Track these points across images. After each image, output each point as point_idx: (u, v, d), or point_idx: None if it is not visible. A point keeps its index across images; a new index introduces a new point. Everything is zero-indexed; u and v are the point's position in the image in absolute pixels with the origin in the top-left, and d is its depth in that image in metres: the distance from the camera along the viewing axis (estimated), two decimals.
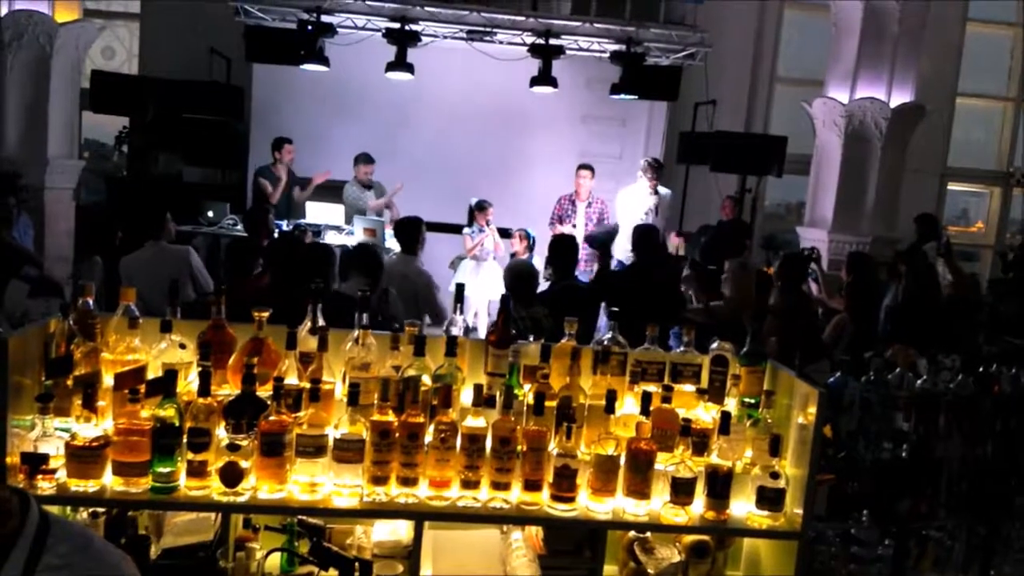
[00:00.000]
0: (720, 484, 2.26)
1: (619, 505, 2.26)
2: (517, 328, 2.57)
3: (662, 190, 7.47)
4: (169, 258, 4.99)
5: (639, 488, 2.24)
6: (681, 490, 2.25)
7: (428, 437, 2.21)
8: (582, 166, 7.51)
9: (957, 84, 9.74)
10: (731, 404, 2.48)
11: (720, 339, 2.54)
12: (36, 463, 2.06)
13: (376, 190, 7.55)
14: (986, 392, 2.77)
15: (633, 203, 7.40)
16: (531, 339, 2.55)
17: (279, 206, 7.25)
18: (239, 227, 7.10)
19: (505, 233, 7.31)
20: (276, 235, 5.78)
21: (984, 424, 2.76)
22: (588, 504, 2.25)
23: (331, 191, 7.55)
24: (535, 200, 7.77)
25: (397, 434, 2.17)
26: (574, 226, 7.28)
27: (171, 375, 2.13)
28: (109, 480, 2.10)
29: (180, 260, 5.01)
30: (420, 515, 2.20)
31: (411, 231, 5.15)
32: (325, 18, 7.38)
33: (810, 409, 2.26)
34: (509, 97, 8.07)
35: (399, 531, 2.38)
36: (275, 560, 2.32)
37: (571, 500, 2.22)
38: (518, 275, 4.25)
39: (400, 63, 7.47)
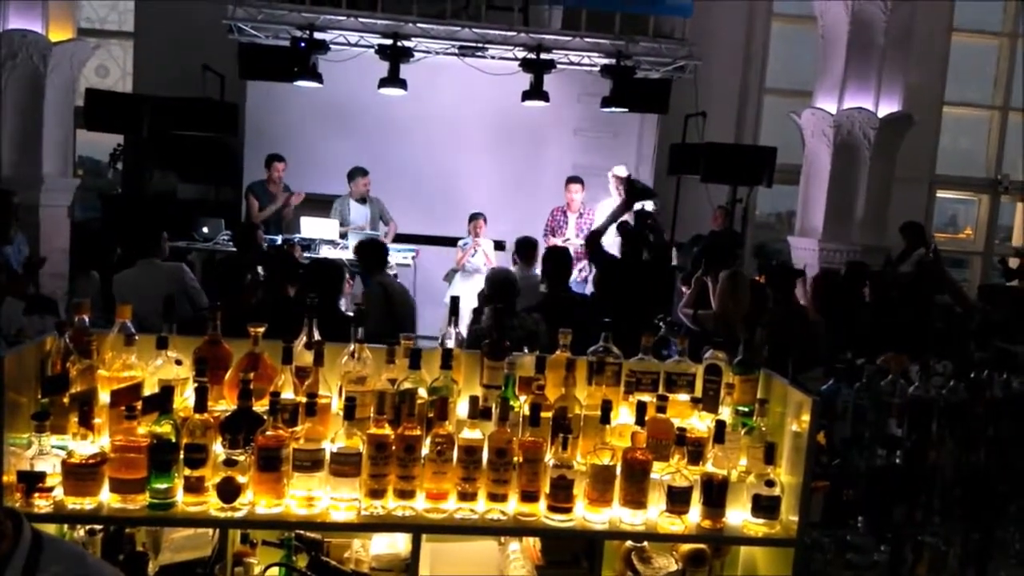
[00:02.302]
0: (716, 493, 2.28)
1: (616, 515, 2.27)
2: (512, 336, 2.60)
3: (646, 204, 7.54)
4: (161, 275, 4.99)
5: (635, 498, 2.25)
6: (677, 499, 2.26)
7: (425, 450, 2.22)
8: (571, 179, 7.58)
9: (944, 93, 9.84)
10: (725, 413, 2.50)
11: (716, 348, 2.56)
12: (33, 481, 2.06)
13: (372, 205, 7.56)
14: (978, 398, 2.80)
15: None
16: (525, 350, 2.57)
17: (269, 223, 7.28)
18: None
19: (500, 246, 7.34)
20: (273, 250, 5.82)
21: (977, 430, 2.78)
22: (585, 514, 2.26)
23: (325, 206, 7.57)
24: (528, 213, 7.81)
25: (394, 447, 2.18)
26: (567, 239, 7.33)
27: (167, 391, 2.14)
28: (106, 497, 2.10)
29: (173, 277, 5.01)
30: (418, 528, 2.20)
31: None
32: (318, 35, 7.43)
33: (804, 417, 2.28)
34: (501, 111, 8.12)
35: (397, 544, 2.38)
36: (273, 575, 2.32)
37: (568, 510, 2.23)
38: (497, 284, 4.30)
39: (393, 79, 7.51)
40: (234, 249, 6.81)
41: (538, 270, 6.33)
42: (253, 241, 5.58)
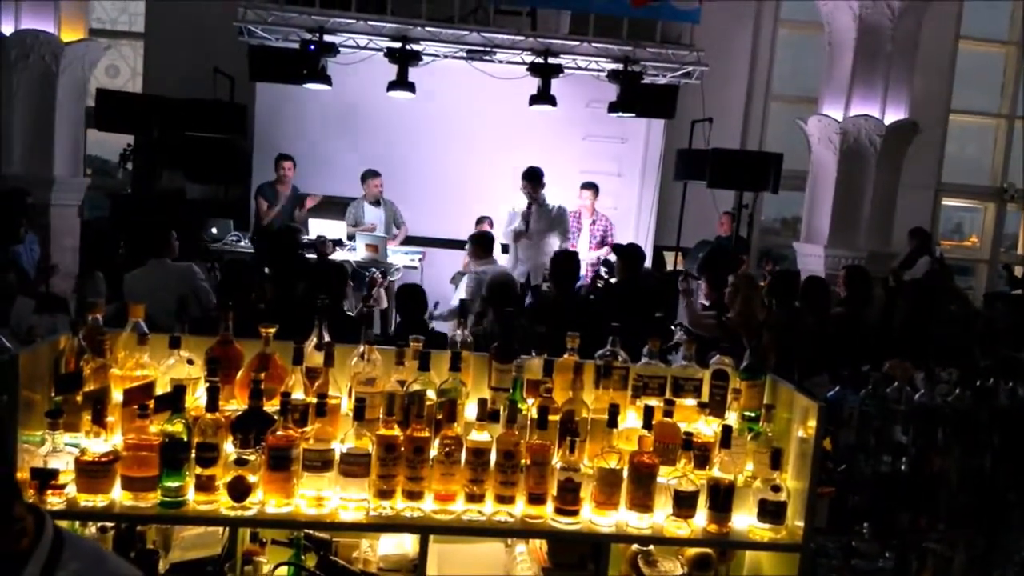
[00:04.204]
0: (722, 497, 2.29)
1: (622, 518, 2.29)
2: (523, 336, 2.63)
3: (551, 203, 7.04)
4: (172, 275, 5.02)
5: (642, 501, 2.27)
6: (683, 503, 2.28)
7: (433, 451, 2.23)
8: (584, 185, 7.57)
9: (950, 101, 9.85)
10: (732, 418, 2.51)
11: (723, 354, 2.57)
12: (46, 478, 2.08)
13: (387, 207, 7.59)
14: (983, 405, 2.81)
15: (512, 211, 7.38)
16: (533, 353, 2.58)
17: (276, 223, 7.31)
18: (243, 243, 7.15)
19: (505, 249, 7.37)
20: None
21: (982, 437, 2.79)
22: (591, 517, 2.27)
23: (333, 208, 7.61)
24: None
25: (402, 448, 2.19)
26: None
27: (179, 391, 2.16)
28: (118, 495, 2.13)
29: (183, 277, 5.03)
30: (426, 529, 2.22)
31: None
32: (327, 38, 7.46)
33: (810, 423, 2.30)
34: (509, 115, 8.14)
35: (405, 545, 2.40)
36: (282, 574, 2.34)
37: (575, 513, 2.25)
38: (497, 287, 4.34)
39: (401, 82, 7.54)
40: (245, 249, 6.89)
41: (499, 263, 6.38)
42: (295, 248, 5.62)
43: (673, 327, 5.00)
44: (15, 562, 1.39)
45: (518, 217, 6.97)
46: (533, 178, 6.90)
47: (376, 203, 7.55)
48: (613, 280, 6.36)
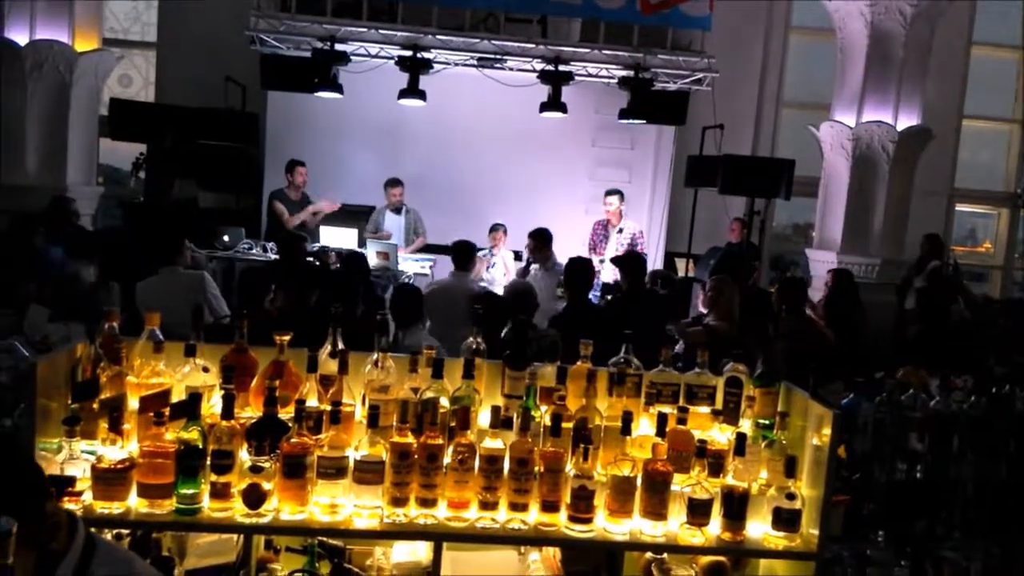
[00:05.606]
0: (736, 505, 2.28)
1: (636, 526, 2.28)
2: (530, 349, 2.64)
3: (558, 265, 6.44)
4: (184, 283, 5.06)
5: (656, 509, 2.26)
6: (697, 511, 2.27)
7: (447, 459, 2.23)
8: (609, 192, 7.40)
9: (963, 107, 9.81)
10: (746, 425, 2.50)
11: (736, 361, 2.57)
12: (63, 485, 2.09)
13: (408, 216, 7.63)
14: (999, 412, 2.79)
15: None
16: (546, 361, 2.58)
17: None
18: (254, 251, 7.19)
19: (518, 256, 7.37)
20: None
21: (998, 444, 2.77)
22: (605, 525, 2.27)
23: (344, 215, 7.65)
24: (546, 224, 7.82)
25: (416, 456, 2.19)
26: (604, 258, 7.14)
27: (195, 398, 2.17)
28: (134, 502, 2.13)
29: (195, 285, 5.07)
30: (439, 536, 2.22)
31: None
32: (339, 47, 7.51)
33: (824, 430, 2.29)
34: (520, 122, 8.17)
35: (418, 552, 2.40)
36: None
37: (588, 521, 2.24)
38: (517, 295, 4.35)
39: (412, 90, 7.58)
40: (257, 257, 6.93)
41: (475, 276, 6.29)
42: (302, 253, 5.63)
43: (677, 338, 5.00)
44: (48, 563, 1.41)
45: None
46: (539, 238, 6.51)
47: (397, 211, 7.64)
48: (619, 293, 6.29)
